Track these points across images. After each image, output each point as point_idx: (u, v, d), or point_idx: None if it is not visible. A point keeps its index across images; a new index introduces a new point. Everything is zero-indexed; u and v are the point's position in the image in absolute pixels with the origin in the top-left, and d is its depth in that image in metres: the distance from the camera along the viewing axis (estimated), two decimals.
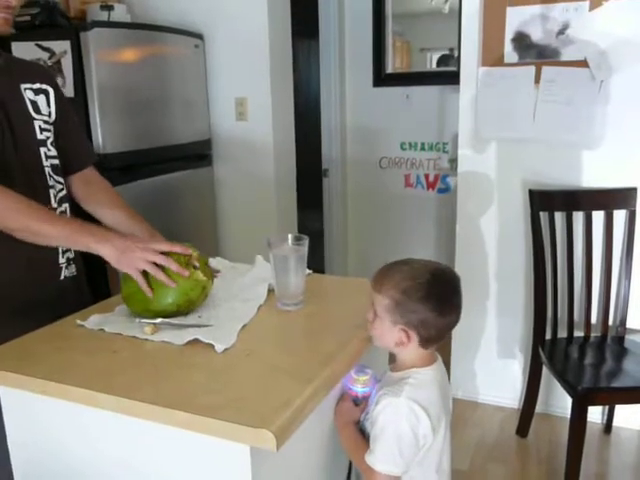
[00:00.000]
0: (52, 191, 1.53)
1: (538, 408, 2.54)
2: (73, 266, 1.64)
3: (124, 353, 1.23)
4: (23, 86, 1.49)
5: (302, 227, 3.44)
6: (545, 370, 2.41)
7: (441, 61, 3.86)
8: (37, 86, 1.53)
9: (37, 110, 1.50)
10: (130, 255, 1.32)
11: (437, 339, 1.23)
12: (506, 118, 2.50)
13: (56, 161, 1.55)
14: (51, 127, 1.54)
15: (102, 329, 1.34)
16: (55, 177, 1.55)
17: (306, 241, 1.43)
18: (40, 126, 1.50)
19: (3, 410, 1.27)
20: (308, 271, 1.69)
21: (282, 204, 3.18)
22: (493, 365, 2.78)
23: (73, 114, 1.67)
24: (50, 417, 1.21)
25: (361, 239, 4.06)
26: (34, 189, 1.45)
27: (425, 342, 1.22)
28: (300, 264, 1.42)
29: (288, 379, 1.09)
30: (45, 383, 1.13)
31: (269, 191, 3.10)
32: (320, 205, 3.98)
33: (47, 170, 1.51)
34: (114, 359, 1.21)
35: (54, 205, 1.53)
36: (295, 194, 3.34)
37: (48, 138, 1.53)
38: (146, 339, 1.28)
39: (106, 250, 1.33)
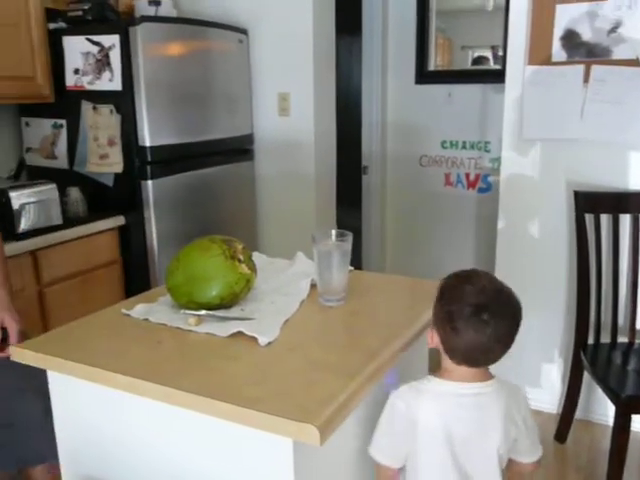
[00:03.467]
0: None
1: (578, 414, 2.49)
2: None
3: (169, 343, 1.25)
4: None
5: (340, 224, 3.44)
6: (586, 375, 2.36)
7: (476, 62, 3.80)
8: None
9: None
10: None
11: (460, 354, 1.18)
12: (552, 118, 2.45)
13: None
14: None
15: (147, 319, 1.36)
16: None
17: (350, 237, 1.43)
18: None
19: (51, 394, 1.30)
20: (350, 267, 1.69)
21: (321, 200, 3.19)
22: (532, 368, 2.74)
23: None
24: (95, 403, 1.23)
25: (399, 237, 4.04)
26: None
27: (449, 351, 1.19)
28: (343, 260, 1.42)
29: (331, 374, 1.09)
30: (91, 369, 1.15)
31: (309, 187, 3.11)
32: (359, 202, 3.96)
33: None
34: (159, 349, 1.23)
35: None
36: (335, 190, 3.33)
37: None
38: (190, 330, 1.30)
39: None
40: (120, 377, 1.11)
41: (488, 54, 3.78)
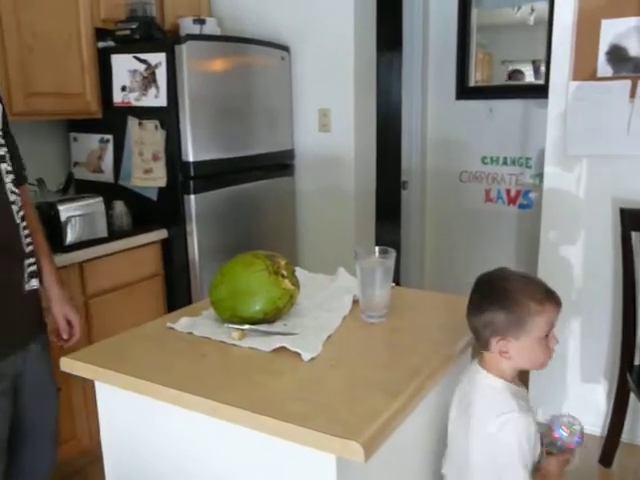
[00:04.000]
0: (14, 207, 1.48)
1: (624, 437, 2.42)
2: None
3: (213, 357, 1.27)
4: None
5: (380, 239, 3.43)
6: (632, 398, 2.30)
7: (512, 76, 3.77)
8: None
9: None
10: None
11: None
12: (597, 134, 2.41)
13: (13, 176, 1.50)
14: (3, 141, 1.49)
15: (191, 332, 1.38)
16: (16, 192, 1.50)
17: (393, 254, 1.43)
18: None
19: (98, 405, 1.33)
20: (392, 284, 1.69)
21: (361, 215, 3.19)
22: (575, 388, 2.67)
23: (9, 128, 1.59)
24: (141, 415, 1.25)
25: (438, 253, 4.01)
26: None
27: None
28: (386, 277, 1.42)
29: (375, 391, 1.09)
30: (138, 382, 1.18)
31: (349, 202, 3.12)
32: (398, 217, 3.95)
33: (8, 187, 1.47)
34: (203, 362, 1.25)
35: (17, 221, 1.49)
36: (374, 205, 3.33)
37: (5, 154, 1.48)
38: (234, 344, 1.31)
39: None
40: (166, 390, 1.13)
41: (524, 68, 3.75)
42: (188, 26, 2.75)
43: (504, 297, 1.22)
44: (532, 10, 3.63)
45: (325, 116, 3.06)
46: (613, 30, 2.31)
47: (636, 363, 2.31)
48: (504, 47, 3.84)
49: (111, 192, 2.63)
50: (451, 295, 1.69)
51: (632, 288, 2.29)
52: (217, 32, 2.88)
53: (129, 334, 1.41)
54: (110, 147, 2.71)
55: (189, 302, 2.55)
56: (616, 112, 2.36)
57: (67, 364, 1.27)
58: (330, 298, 1.56)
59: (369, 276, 1.42)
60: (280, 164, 3.09)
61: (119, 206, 2.57)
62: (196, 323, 1.43)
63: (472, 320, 1.28)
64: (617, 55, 2.32)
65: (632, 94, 2.32)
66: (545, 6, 3.41)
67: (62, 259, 2.17)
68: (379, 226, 3.40)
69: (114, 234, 2.46)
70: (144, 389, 1.17)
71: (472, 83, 3.81)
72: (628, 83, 2.31)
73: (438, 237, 3.99)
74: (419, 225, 3.97)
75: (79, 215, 2.32)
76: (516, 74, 3.75)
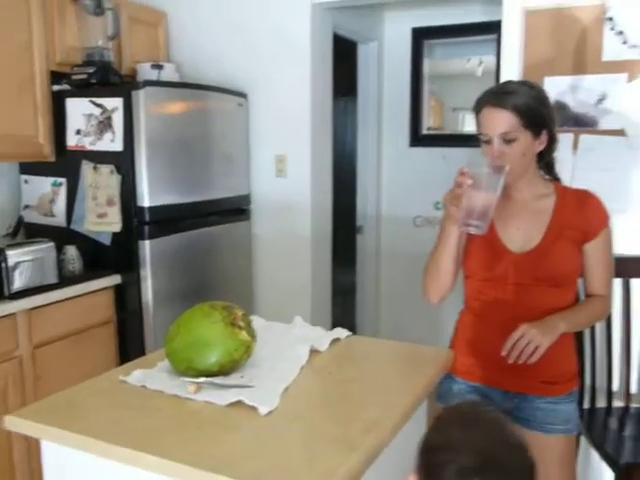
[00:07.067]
0: None
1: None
2: None
3: (167, 412, 1.24)
4: None
5: (336, 284, 3.45)
6: (583, 440, 2.34)
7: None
8: None
9: None
10: None
11: None
12: None
13: None
14: None
15: (144, 386, 1.35)
16: None
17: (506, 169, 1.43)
18: None
19: (44, 464, 1.28)
20: (347, 332, 1.70)
21: (317, 260, 3.20)
22: None
23: None
24: (92, 475, 1.21)
25: (393, 297, 4.04)
26: None
27: None
28: (494, 185, 1.42)
29: (332, 446, 1.09)
30: (88, 440, 1.14)
31: (305, 247, 3.13)
32: (354, 262, 3.99)
33: None
34: (157, 418, 1.22)
35: None
36: (330, 250, 3.36)
37: None
38: (189, 398, 1.29)
39: None
40: (118, 448, 1.10)
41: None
42: (146, 71, 2.77)
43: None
44: (480, 62, 3.79)
45: (281, 162, 3.09)
46: (556, 87, 2.43)
47: (585, 406, 2.36)
48: (455, 95, 3.99)
49: (63, 236, 2.57)
50: (406, 344, 1.71)
51: (579, 333, 2.35)
52: (175, 78, 2.90)
53: (79, 388, 1.37)
54: (63, 190, 2.66)
55: (142, 350, 2.49)
56: (562, 163, 2.45)
57: (12, 423, 1.23)
58: (287, 347, 1.55)
59: (478, 176, 1.41)
60: (237, 209, 3.09)
61: (71, 251, 2.52)
62: (150, 376, 1.40)
63: None
64: (560, 110, 2.43)
65: (575, 146, 2.43)
66: (493, 59, 3.57)
67: (9, 307, 2.11)
68: (335, 271, 3.43)
69: (65, 280, 2.40)
70: (95, 448, 1.14)
71: (425, 130, 3.93)
72: (571, 136, 2.42)
73: (393, 281, 4.03)
74: (374, 269, 4.01)
75: (28, 260, 2.26)
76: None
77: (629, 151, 2.36)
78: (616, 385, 2.40)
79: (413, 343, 1.69)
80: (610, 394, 2.36)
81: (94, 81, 2.54)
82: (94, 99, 2.51)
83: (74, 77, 2.57)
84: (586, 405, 2.36)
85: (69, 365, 2.32)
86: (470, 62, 3.83)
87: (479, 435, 0.87)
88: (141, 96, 2.45)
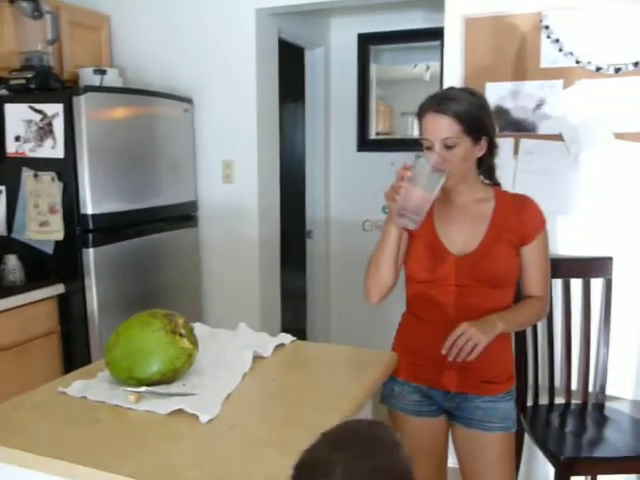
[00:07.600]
0: None
1: (520, 477, 2.52)
2: None
3: (107, 423, 1.22)
4: None
5: (285, 288, 3.45)
6: (526, 437, 2.40)
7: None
8: None
9: None
10: None
11: None
12: None
13: None
14: None
15: (84, 397, 1.33)
16: None
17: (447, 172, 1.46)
18: None
19: None
20: (291, 338, 1.70)
21: (266, 265, 3.20)
22: None
23: None
24: None
25: (343, 300, 4.07)
26: None
27: None
28: (433, 183, 1.45)
29: (273, 453, 1.09)
30: (25, 454, 1.11)
31: (253, 252, 3.12)
32: (304, 266, 4.00)
33: None
34: (97, 429, 1.20)
35: None
36: (279, 255, 3.36)
37: None
38: (129, 408, 1.27)
39: None
40: (56, 462, 1.08)
41: None
42: (88, 76, 2.72)
43: None
44: (427, 67, 3.86)
45: (229, 167, 3.08)
46: (497, 93, 2.50)
47: (528, 404, 2.42)
48: (404, 100, 4.04)
49: (3, 246, 2.50)
50: (352, 348, 1.73)
51: (522, 332, 2.42)
52: (118, 83, 2.85)
53: (17, 400, 1.34)
54: (3, 199, 2.59)
55: (88, 361, 2.43)
56: (503, 168, 2.52)
57: None
58: (231, 354, 1.55)
59: (419, 173, 1.44)
60: (183, 215, 3.06)
61: (11, 260, 2.45)
62: (90, 386, 1.38)
63: None
64: (501, 115, 2.50)
65: (515, 150, 2.50)
66: (439, 65, 3.64)
67: None
68: (285, 275, 3.43)
69: (5, 290, 2.33)
70: (32, 462, 1.11)
71: (373, 134, 3.97)
72: (512, 141, 2.50)
73: (343, 285, 4.05)
74: (324, 273, 4.03)
75: None
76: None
77: (567, 155, 2.44)
78: (558, 382, 2.48)
79: (364, 346, 1.71)
80: (552, 391, 2.43)
81: (33, 86, 2.47)
82: (33, 105, 2.45)
83: (12, 82, 2.50)
84: (529, 403, 2.43)
85: (10, 378, 2.25)
86: (417, 67, 3.90)
87: (348, 458, 0.80)
88: (82, 102, 2.40)
